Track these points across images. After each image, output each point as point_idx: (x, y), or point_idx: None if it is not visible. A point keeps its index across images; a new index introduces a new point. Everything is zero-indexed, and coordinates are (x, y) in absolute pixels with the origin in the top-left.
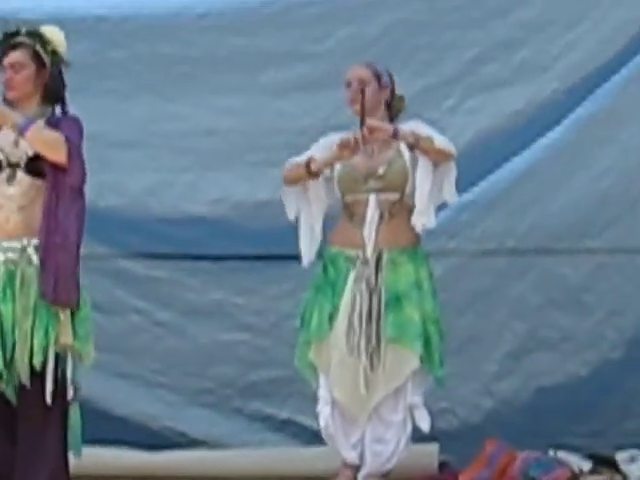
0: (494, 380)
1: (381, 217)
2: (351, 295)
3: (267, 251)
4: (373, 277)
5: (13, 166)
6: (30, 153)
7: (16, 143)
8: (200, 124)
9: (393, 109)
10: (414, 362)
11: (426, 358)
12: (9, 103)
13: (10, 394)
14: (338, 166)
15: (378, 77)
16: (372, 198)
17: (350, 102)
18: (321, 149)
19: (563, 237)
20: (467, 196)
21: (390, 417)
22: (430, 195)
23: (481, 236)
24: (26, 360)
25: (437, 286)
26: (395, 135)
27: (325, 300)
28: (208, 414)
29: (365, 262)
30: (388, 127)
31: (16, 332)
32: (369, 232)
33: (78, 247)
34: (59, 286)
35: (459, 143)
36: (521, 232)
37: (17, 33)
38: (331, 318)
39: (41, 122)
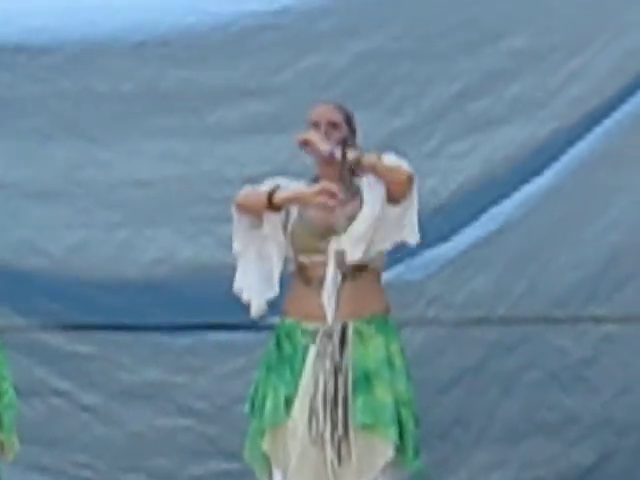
0: (484, 470)
1: (343, 280)
2: (312, 375)
3: (213, 320)
4: (338, 353)
5: None
6: None
7: None
8: (135, 172)
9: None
10: (388, 452)
11: (400, 447)
12: None
13: None
14: (292, 218)
15: (349, 122)
16: (332, 258)
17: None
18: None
19: (564, 303)
20: (448, 251)
21: None
22: (372, 223)
23: (466, 301)
24: None
25: (416, 360)
26: (332, 156)
27: (280, 381)
28: None
29: (328, 336)
30: (325, 146)
31: None
32: (329, 298)
33: None
34: None
35: (442, 192)
36: (514, 297)
37: None
38: (288, 402)
39: None
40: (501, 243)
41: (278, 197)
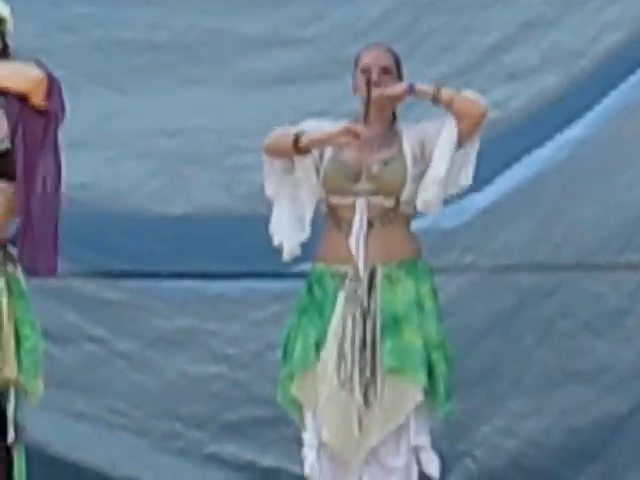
0: (519, 418)
1: (371, 225)
2: (341, 319)
3: (248, 269)
4: (366, 297)
5: None
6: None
7: None
8: (164, 122)
9: None
10: (417, 396)
11: (430, 391)
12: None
13: None
14: (325, 159)
15: (398, 65)
16: (360, 202)
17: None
18: (312, 128)
19: (600, 250)
20: (484, 199)
21: (391, 461)
22: (447, 173)
23: (502, 249)
24: None
25: (450, 308)
26: (411, 90)
27: (310, 325)
28: (177, 461)
29: (356, 280)
30: (398, 86)
31: None
32: (356, 242)
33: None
34: (39, 253)
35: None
36: (550, 244)
37: None
38: (318, 346)
39: None
40: (536, 191)
41: (304, 140)
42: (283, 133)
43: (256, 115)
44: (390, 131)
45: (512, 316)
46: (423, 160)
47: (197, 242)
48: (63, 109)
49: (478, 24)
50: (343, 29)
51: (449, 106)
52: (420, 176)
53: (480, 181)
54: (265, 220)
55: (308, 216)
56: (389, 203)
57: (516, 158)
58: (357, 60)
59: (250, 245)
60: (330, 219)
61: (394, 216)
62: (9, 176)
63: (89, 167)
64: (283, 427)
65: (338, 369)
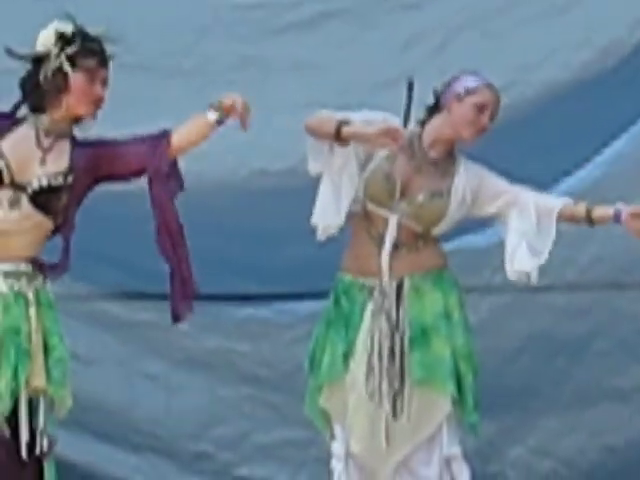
0: (553, 438)
1: (398, 245)
2: (369, 331)
3: (279, 289)
4: (394, 309)
5: (19, 189)
6: (44, 182)
7: (42, 161)
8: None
9: None
10: (445, 407)
11: (458, 401)
12: (78, 121)
13: None
14: (372, 166)
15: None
16: (393, 219)
17: (470, 125)
18: (363, 120)
19: (633, 269)
20: None
21: (424, 471)
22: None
23: None
24: (1, 409)
25: (482, 328)
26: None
27: (338, 337)
28: None
29: (384, 292)
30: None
31: None
32: (385, 255)
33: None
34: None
35: None
36: (583, 263)
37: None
38: (345, 357)
39: None
40: None
41: (346, 130)
42: (328, 117)
43: (286, 139)
44: (447, 161)
45: (545, 335)
46: (470, 208)
47: (227, 264)
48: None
49: None
50: (373, 53)
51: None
52: (459, 219)
53: None
54: (293, 242)
55: (345, 204)
56: (420, 229)
57: (553, 179)
58: (472, 90)
59: (280, 266)
60: (361, 221)
61: (418, 238)
62: (48, 212)
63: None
64: (314, 449)
65: (367, 380)
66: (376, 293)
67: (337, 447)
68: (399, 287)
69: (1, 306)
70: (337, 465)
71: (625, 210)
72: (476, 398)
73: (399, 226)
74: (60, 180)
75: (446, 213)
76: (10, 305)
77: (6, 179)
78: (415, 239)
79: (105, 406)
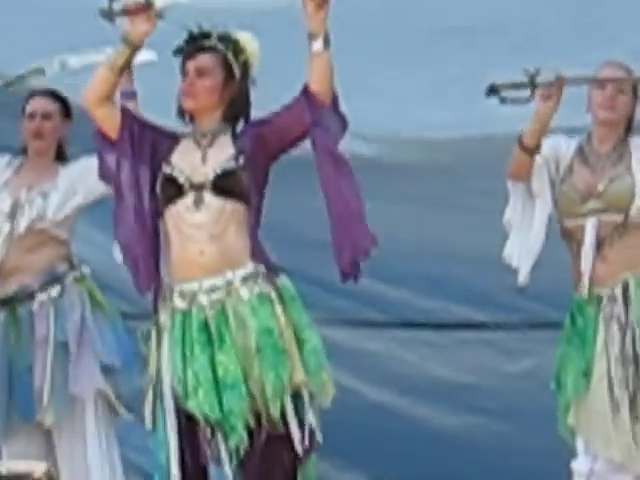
0: None
1: (602, 244)
2: (604, 343)
3: (504, 319)
4: (623, 315)
5: (198, 188)
6: (218, 170)
7: (203, 159)
8: None
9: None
10: None
11: None
12: (182, 116)
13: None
14: (559, 178)
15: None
16: (590, 222)
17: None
18: None
19: None
20: None
21: None
22: None
23: None
24: (273, 410)
25: None
26: None
27: (577, 354)
28: None
29: (613, 299)
30: None
31: (240, 380)
32: (585, 262)
33: None
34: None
35: None
36: None
37: (207, 36)
38: (585, 374)
39: None
40: None
41: (527, 138)
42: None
43: None
44: (619, 147)
45: None
46: None
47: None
48: None
49: None
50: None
51: None
52: None
53: None
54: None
55: (540, 236)
56: (619, 219)
57: None
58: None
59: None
60: (570, 245)
61: (624, 230)
62: (232, 195)
63: None
64: None
65: (610, 393)
66: (605, 300)
67: (579, 464)
68: (625, 289)
69: (249, 310)
70: None
71: None
72: None
73: (598, 225)
74: (232, 163)
75: (633, 189)
76: (256, 308)
77: (185, 184)
78: (616, 232)
79: None
